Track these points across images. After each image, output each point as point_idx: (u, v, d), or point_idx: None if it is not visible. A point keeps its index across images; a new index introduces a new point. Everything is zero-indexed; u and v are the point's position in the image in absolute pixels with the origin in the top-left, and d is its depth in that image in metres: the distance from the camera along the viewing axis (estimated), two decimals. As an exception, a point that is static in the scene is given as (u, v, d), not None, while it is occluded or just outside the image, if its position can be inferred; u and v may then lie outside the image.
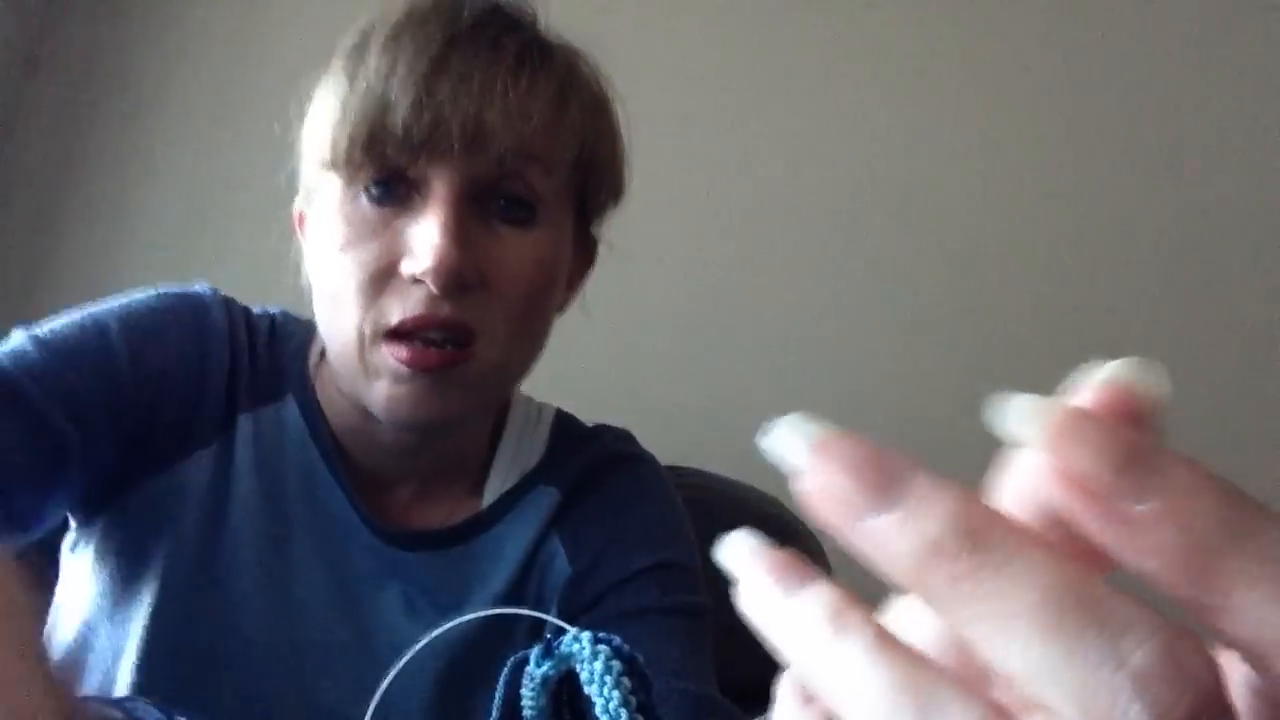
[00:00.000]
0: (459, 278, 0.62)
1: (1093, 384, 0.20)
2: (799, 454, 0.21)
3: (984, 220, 1.40)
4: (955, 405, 1.38)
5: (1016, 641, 0.18)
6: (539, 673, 0.28)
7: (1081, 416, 0.19)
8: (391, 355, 0.63)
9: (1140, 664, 0.17)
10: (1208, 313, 1.32)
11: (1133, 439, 0.18)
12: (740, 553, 0.22)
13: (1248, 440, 1.26)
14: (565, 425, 0.81)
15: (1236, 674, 0.19)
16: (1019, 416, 0.19)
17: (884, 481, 0.19)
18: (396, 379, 0.63)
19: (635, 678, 0.27)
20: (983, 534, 0.18)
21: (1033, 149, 1.39)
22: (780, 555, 0.21)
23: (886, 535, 0.19)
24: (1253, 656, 0.17)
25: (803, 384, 1.40)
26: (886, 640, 0.19)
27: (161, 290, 0.72)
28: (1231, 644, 0.18)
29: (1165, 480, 0.18)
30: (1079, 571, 0.18)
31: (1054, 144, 1.39)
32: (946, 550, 0.18)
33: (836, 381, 1.40)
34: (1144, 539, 0.18)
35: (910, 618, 0.22)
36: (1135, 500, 0.18)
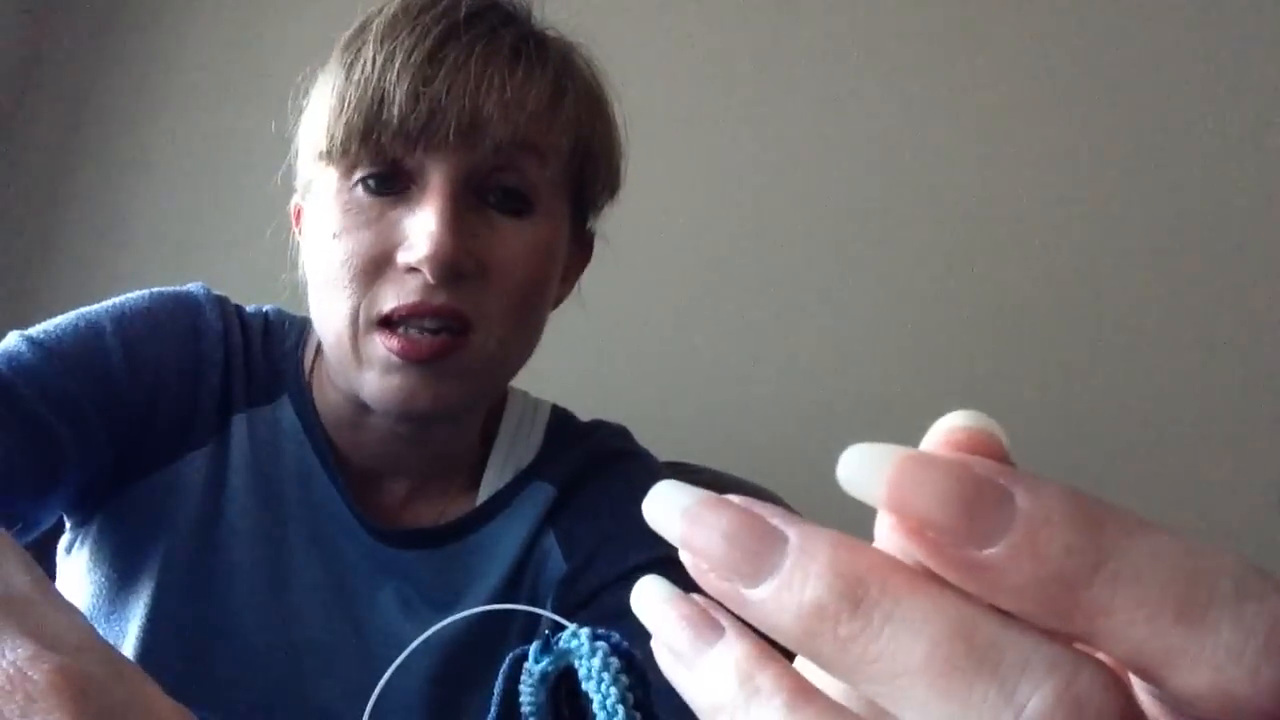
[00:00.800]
0: (455, 266, 0.62)
1: (928, 438, 0.19)
2: (672, 526, 0.20)
3: (985, 221, 1.40)
4: (957, 406, 1.39)
5: (914, 700, 0.17)
6: (537, 669, 0.28)
7: (920, 459, 0.18)
8: (383, 344, 0.63)
9: (1036, 710, 0.16)
10: (1211, 313, 1.32)
11: (971, 474, 0.17)
12: (651, 602, 0.21)
13: (1247, 443, 1.26)
14: (561, 421, 0.81)
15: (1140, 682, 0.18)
16: (855, 467, 0.18)
17: (758, 547, 0.19)
18: (387, 368, 0.63)
19: (633, 674, 0.27)
20: (863, 589, 0.18)
21: (1035, 149, 1.39)
22: (691, 607, 0.21)
23: (768, 606, 0.18)
24: (1139, 673, 0.17)
25: (804, 381, 1.40)
26: (801, 697, 0.19)
27: (155, 291, 0.72)
28: (1119, 661, 0.17)
29: (1008, 518, 0.17)
30: (968, 612, 0.17)
31: (1058, 144, 1.39)
32: (829, 613, 0.18)
33: (837, 378, 1.40)
34: (998, 583, 0.17)
35: None
36: (981, 545, 0.17)
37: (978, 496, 0.17)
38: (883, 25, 1.46)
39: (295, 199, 0.73)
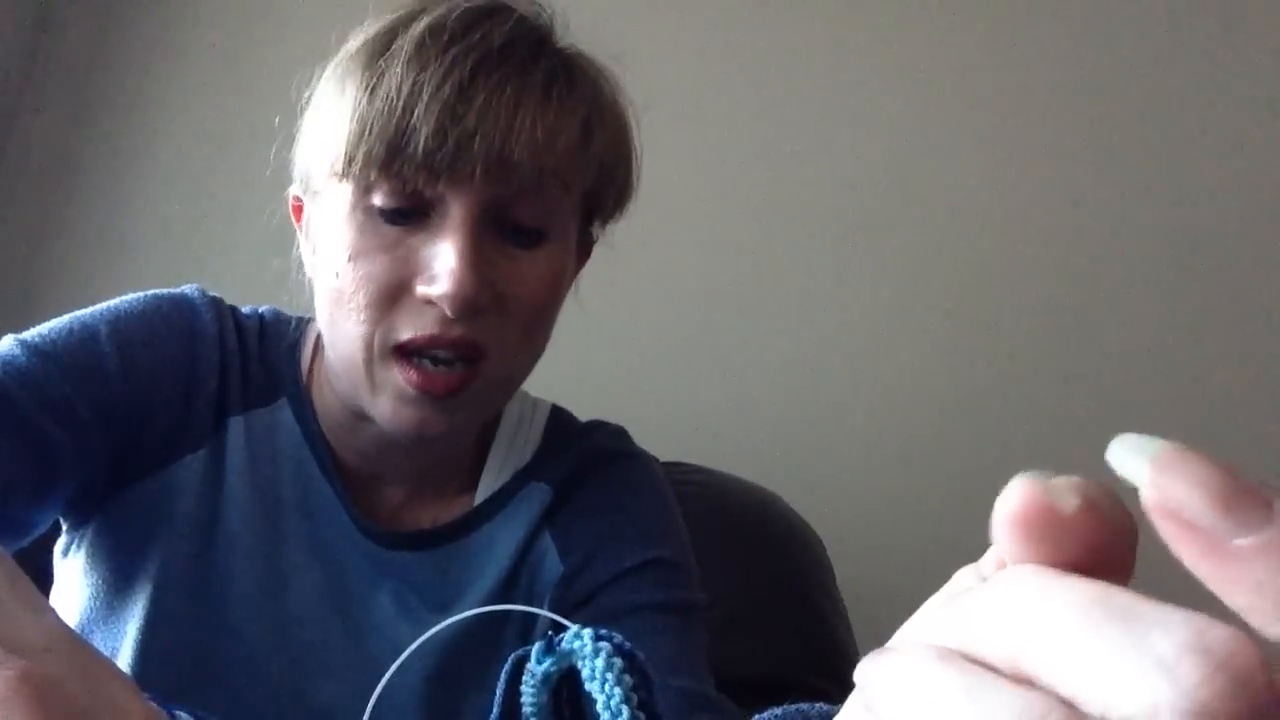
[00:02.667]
0: (474, 303, 0.61)
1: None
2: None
3: (989, 222, 1.40)
4: (955, 404, 1.40)
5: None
6: (540, 669, 0.28)
7: (1184, 450, 0.19)
8: (401, 375, 0.62)
9: (1165, 650, 0.17)
10: (1214, 314, 1.32)
11: (1234, 474, 0.19)
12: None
13: (1248, 444, 1.26)
14: (559, 421, 0.81)
15: None
16: (1124, 450, 0.20)
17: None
18: (403, 400, 0.63)
19: (636, 675, 0.27)
20: None
21: (1041, 150, 1.40)
22: (1235, 482, 0.19)
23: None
24: None
25: (804, 382, 1.41)
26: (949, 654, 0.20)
27: (150, 293, 0.71)
28: None
29: (1265, 516, 0.18)
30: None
31: (1063, 145, 1.39)
32: None
33: (836, 379, 1.40)
34: (1238, 572, 0.18)
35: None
36: (1232, 534, 0.18)
37: (1237, 489, 0.18)
38: (893, 33, 1.46)
39: (293, 189, 0.72)
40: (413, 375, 0.62)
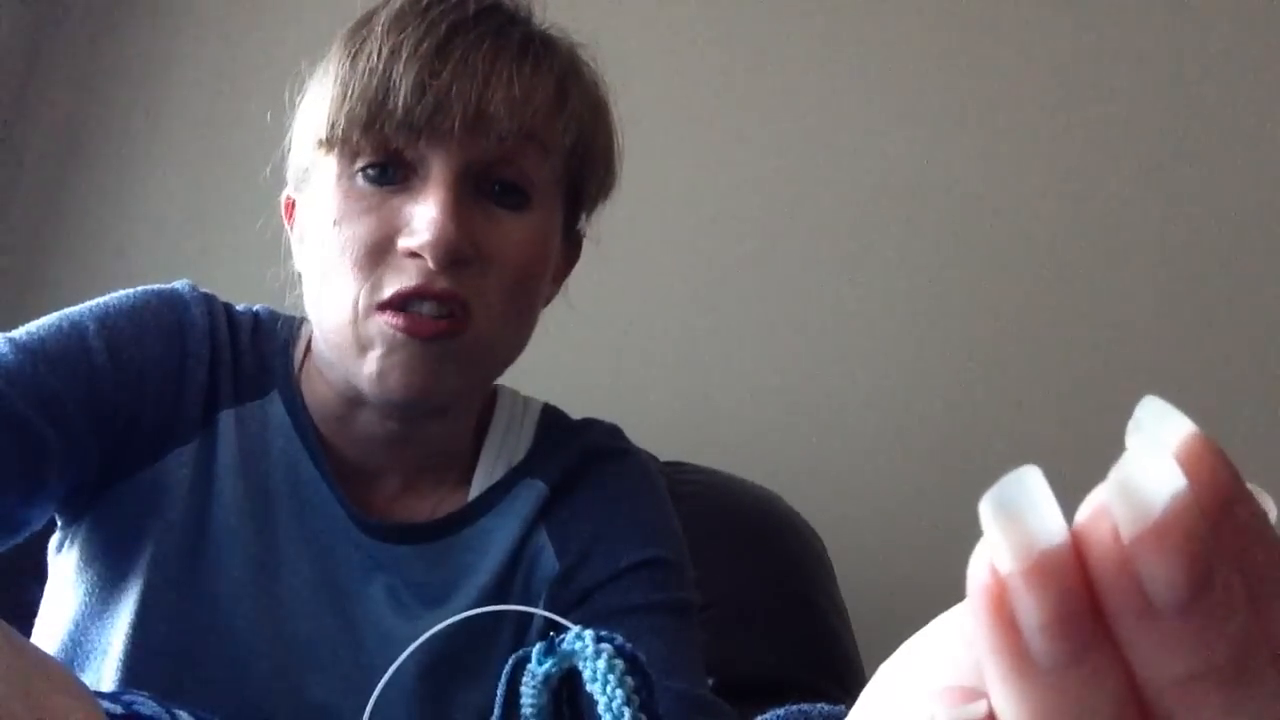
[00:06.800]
0: (456, 252, 0.62)
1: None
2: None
3: (990, 222, 1.40)
4: (954, 403, 1.39)
5: None
6: (541, 670, 0.27)
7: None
8: (387, 323, 0.63)
9: None
10: (1214, 315, 1.32)
11: None
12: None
13: (1249, 442, 1.26)
14: (552, 419, 0.81)
15: None
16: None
17: None
18: (391, 347, 0.63)
19: (637, 676, 0.26)
20: None
21: (1042, 150, 1.40)
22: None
23: None
24: None
25: (803, 381, 1.40)
26: None
27: (139, 290, 0.72)
28: None
29: None
30: None
31: (1061, 145, 1.39)
32: None
33: (836, 378, 1.40)
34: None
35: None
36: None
37: None
38: (886, 26, 1.45)
39: (287, 191, 0.74)
40: (399, 320, 0.63)
